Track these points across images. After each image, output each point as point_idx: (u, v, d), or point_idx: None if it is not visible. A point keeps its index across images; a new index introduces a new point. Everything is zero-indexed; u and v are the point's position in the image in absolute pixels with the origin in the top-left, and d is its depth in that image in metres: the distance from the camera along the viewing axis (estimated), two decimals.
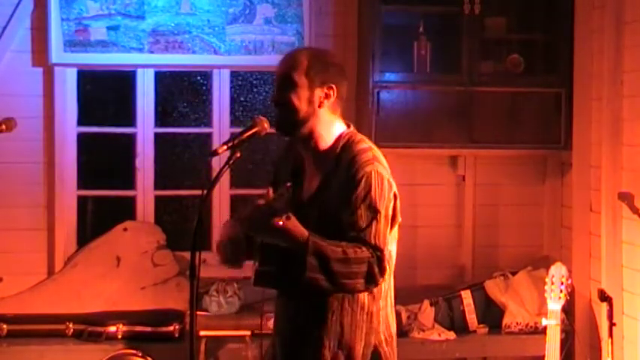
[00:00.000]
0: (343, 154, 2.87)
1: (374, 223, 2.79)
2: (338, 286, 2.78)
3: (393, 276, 2.96)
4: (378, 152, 2.91)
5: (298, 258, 2.72)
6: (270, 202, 2.75)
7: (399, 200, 2.92)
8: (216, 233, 4.94)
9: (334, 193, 2.83)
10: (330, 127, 2.91)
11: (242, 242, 2.88)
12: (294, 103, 2.85)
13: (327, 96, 2.88)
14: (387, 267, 2.83)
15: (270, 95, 2.94)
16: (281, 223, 2.69)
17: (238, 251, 2.90)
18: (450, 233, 5.38)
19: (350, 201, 2.79)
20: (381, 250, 2.79)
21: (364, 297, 2.86)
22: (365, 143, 2.91)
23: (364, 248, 2.76)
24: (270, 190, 2.81)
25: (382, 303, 2.91)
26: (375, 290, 2.87)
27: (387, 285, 2.93)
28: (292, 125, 2.87)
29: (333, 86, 2.89)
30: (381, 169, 2.85)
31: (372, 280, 2.79)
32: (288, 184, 2.83)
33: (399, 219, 2.93)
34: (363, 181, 2.80)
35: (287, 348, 2.95)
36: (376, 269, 2.78)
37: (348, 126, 2.96)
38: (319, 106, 2.88)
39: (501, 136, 5.06)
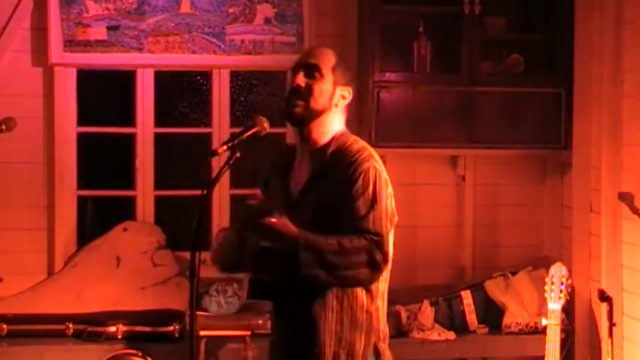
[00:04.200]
0: (339, 152, 2.90)
1: (372, 211, 2.81)
2: (341, 279, 2.78)
3: (390, 276, 2.96)
4: (373, 151, 2.95)
5: (293, 257, 2.72)
6: (260, 202, 2.77)
7: (393, 200, 2.93)
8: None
9: (330, 191, 2.85)
10: (334, 127, 2.95)
11: (235, 248, 2.90)
12: (318, 94, 2.89)
13: (343, 97, 2.95)
14: (390, 252, 2.83)
15: (291, 81, 2.92)
16: (274, 220, 2.71)
17: (232, 255, 2.92)
18: (450, 233, 5.38)
19: (349, 195, 2.81)
20: (381, 235, 2.80)
21: (363, 296, 2.86)
22: (360, 142, 2.95)
23: (362, 237, 2.77)
24: (259, 191, 2.82)
25: (379, 302, 2.92)
26: (373, 289, 2.88)
27: (384, 285, 2.93)
28: (308, 115, 2.89)
29: (350, 89, 2.97)
30: (379, 167, 2.89)
31: (375, 267, 2.79)
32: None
33: (397, 217, 2.93)
34: (362, 176, 2.84)
35: (287, 348, 2.95)
36: (378, 255, 2.78)
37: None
38: (336, 105, 2.94)
39: (501, 136, 5.07)
